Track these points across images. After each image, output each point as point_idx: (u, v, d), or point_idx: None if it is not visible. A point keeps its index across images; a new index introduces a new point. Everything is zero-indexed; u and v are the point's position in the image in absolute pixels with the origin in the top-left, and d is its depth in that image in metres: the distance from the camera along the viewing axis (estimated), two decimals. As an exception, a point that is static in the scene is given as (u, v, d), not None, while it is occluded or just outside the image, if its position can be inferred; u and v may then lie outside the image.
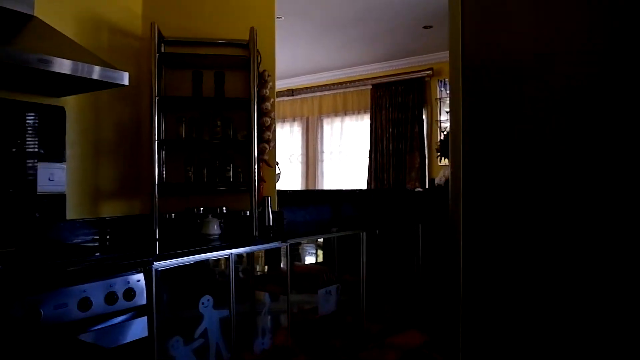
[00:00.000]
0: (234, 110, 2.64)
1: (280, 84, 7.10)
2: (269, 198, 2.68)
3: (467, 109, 1.32)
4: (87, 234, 2.32)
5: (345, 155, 6.59)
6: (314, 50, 5.95)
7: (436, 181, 5.18)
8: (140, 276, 1.86)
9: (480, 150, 1.28)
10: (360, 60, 6.26)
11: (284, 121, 7.19)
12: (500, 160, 1.24)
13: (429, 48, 5.71)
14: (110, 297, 1.73)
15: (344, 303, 3.28)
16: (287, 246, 2.62)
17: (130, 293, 1.80)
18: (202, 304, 2.14)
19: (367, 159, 6.27)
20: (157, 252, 2.05)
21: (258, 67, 2.59)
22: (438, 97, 5.84)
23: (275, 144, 2.75)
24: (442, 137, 5.54)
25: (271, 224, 2.67)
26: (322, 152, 6.84)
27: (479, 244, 1.36)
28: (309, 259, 3.76)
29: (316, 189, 6.85)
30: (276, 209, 2.86)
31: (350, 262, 3.47)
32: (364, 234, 3.38)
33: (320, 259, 3.83)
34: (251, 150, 2.47)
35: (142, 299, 1.85)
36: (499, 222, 1.27)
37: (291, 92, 7.03)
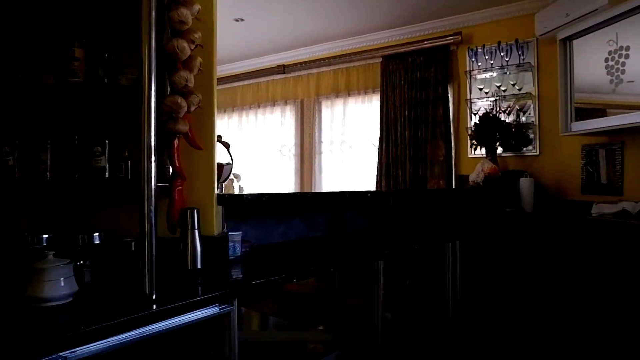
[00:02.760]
0: (109, 28, 1.25)
1: (268, 60, 5.72)
2: (196, 212, 1.30)
3: None
4: None
5: (349, 146, 5.19)
6: (308, 15, 4.56)
7: (471, 178, 3.77)
8: None
9: None
10: (367, 26, 4.85)
11: (274, 105, 5.80)
12: None
13: (457, 5, 4.30)
14: None
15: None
16: (233, 312, 1.24)
17: None
18: None
19: (377, 151, 4.86)
20: None
21: None
22: (468, 69, 4.43)
23: (212, 103, 1.36)
24: (476, 121, 4.13)
25: (199, 265, 1.30)
26: (320, 142, 5.44)
27: None
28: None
29: (306, 191, 5.44)
30: (216, 232, 1.48)
31: (355, 282, 2.12)
32: (381, 264, 2.00)
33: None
34: (143, 110, 1.09)
35: None
36: None
37: (282, 69, 5.62)
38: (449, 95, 4.53)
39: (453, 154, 4.49)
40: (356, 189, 5.10)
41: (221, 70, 6.26)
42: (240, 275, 1.41)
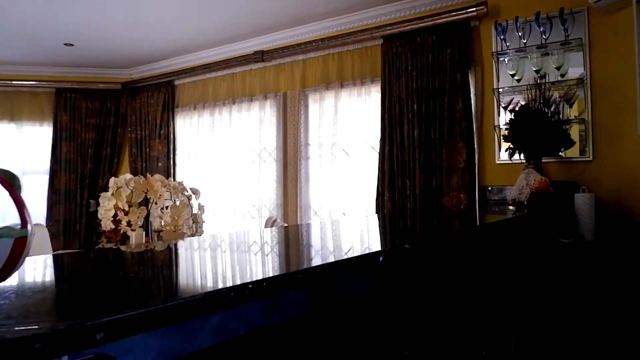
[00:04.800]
0: None
1: (243, 46, 4.62)
2: None
3: None
4: None
5: (342, 149, 4.09)
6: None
7: (511, 195, 2.69)
8: None
9: None
10: (364, 1, 3.78)
11: (251, 100, 4.69)
12: None
13: (482, -34, 3.23)
14: None
15: None
16: None
17: None
18: None
19: (378, 155, 3.78)
20: None
21: None
22: (495, 50, 3.36)
23: None
24: (510, 116, 3.06)
25: None
26: (306, 144, 4.35)
27: None
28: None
29: (289, 203, 4.30)
30: None
31: None
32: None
33: None
34: None
35: None
36: None
37: (260, 55, 4.52)
38: (471, 84, 3.45)
39: (476, 159, 3.42)
40: (351, 203, 4.01)
41: (187, 60, 5.16)
42: None
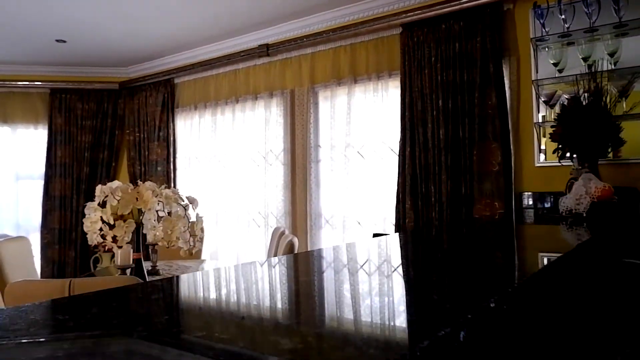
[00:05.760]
0: None
1: (247, 40, 4.18)
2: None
3: None
4: None
5: (357, 151, 3.63)
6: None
7: (565, 205, 2.21)
8: None
9: None
10: (381, -17, 3.31)
11: (255, 98, 4.24)
12: None
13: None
14: None
15: None
16: None
17: None
18: None
19: (397, 158, 3.32)
20: None
21: None
22: (533, 36, 2.88)
23: None
24: (558, 111, 2.58)
25: None
26: (317, 146, 3.89)
27: None
28: None
29: (298, 212, 3.81)
30: None
31: None
32: None
33: None
34: None
35: None
36: None
37: (265, 49, 4.07)
38: (505, 75, 2.97)
39: (513, 162, 2.94)
40: (367, 212, 3.54)
41: (187, 57, 4.73)
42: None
